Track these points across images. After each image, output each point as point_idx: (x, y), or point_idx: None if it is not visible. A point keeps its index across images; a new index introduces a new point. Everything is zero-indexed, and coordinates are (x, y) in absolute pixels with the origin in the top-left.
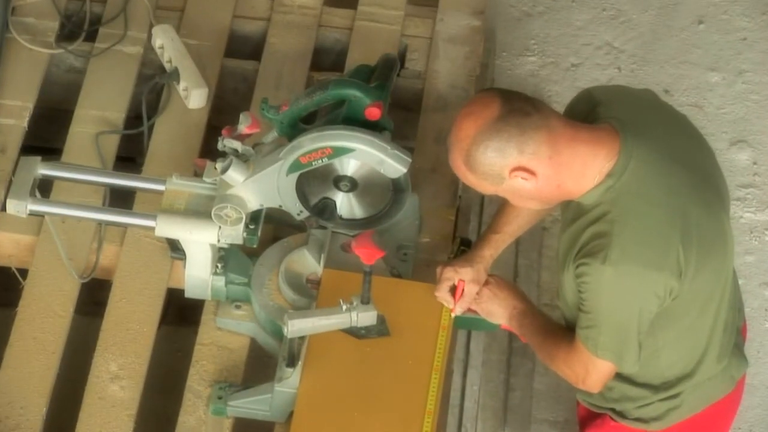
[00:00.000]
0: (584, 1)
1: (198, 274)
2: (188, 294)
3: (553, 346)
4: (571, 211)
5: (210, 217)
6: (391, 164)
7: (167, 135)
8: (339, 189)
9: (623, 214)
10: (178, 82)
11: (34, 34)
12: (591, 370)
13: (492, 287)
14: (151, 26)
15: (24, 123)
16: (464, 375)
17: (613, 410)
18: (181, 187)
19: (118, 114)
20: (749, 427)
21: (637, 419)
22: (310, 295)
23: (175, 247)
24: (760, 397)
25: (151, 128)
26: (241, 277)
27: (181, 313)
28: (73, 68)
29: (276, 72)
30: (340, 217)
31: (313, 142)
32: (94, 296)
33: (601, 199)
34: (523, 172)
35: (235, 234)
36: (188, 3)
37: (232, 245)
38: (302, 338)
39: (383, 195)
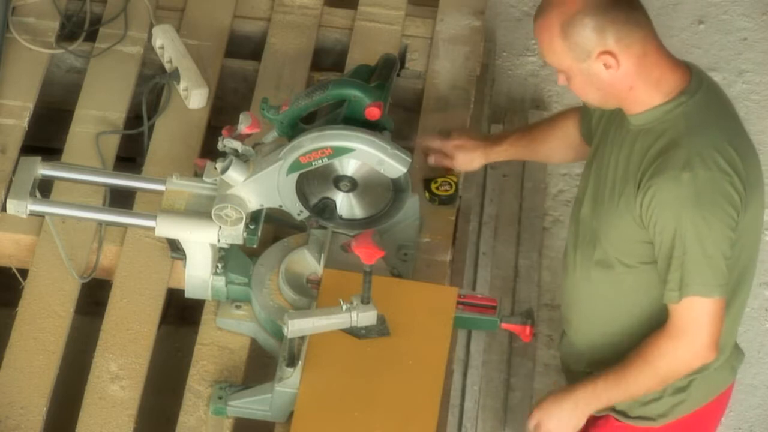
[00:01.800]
0: None
1: (198, 274)
2: (188, 294)
3: (634, 354)
4: (621, 133)
5: (210, 218)
6: (391, 164)
7: (167, 135)
8: (339, 189)
9: (692, 126)
10: (179, 82)
11: (35, 34)
12: (682, 326)
13: (541, 416)
14: (151, 26)
15: (24, 123)
16: (464, 375)
17: (614, 410)
18: (181, 187)
19: (118, 114)
20: (749, 427)
21: (640, 417)
22: (310, 295)
23: (175, 247)
24: (760, 397)
25: (151, 128)
26: (241, 277)
27: (181, 313)
28: (73, 68)
29: (276, 72)
30: (340, 217)
31: (313, 142)
32: (94, 296)
33: (667, 116)
34: (611, 58)
35: (235, 234)
36: (188, 3)
37: (232, 245)
38: (302, 338)
39: (383, 195)
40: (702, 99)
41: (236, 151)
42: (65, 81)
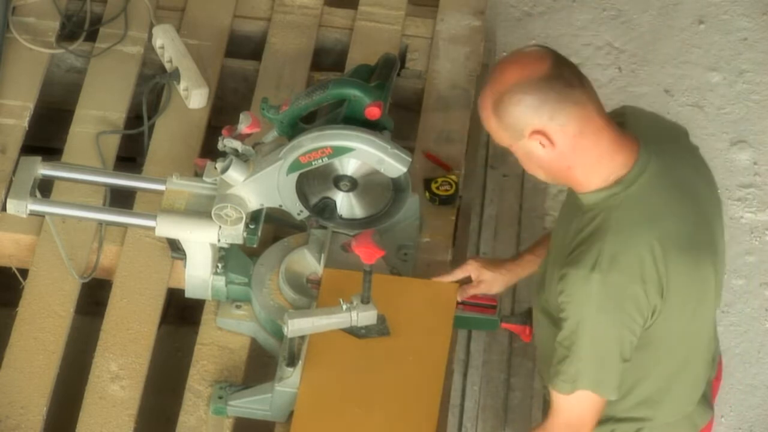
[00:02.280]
0: (585, 1)
1: (198, 274)
2: (188, 294)
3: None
4: (570, 205)
5: (210, 217)
6: (391, 164)
7: (168, 135)
8: (339, 188)
9: (620, 223)
10: (179, 82)
11: (35, 34)
12: (573, 408)
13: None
14: (151, 26)
15: (24, 123)
16: (465, 375)
17: None
18: (181, 186)
19: (118, 114)
20: (749, 427)
21: None
22: (310, 294)
23: (175, 247)
24: (760, 397)
25: (151, 128)
26: (241, 277)
27: (181, 313)
28: (73, 68)
29: (276, 72)
30: (340, 217)
31: (313, 142)
32: (94, 296)
33: (603, 203)
34: (544, 138)
35: (235, 234)
36: (189, 3)
37: (232, 245)
38: (302, 338)
39: (383, 194)
40: (640, 190)
41: (236, 150)
42: (65, 81)
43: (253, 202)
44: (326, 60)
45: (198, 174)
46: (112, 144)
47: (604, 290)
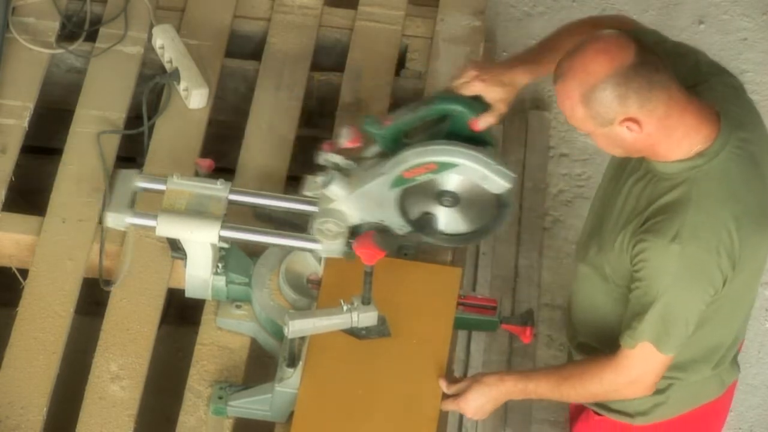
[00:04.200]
0: (585, 1)
1: (199, 274)
2: (189, 294)
3: (577, 368)
4: (643, 167)
5: (210, 217)
6: (495, 180)
7: (168, 135)
8: (441, 204)
9: (702, 196)
10: (179, 82)
11: (35, 34)
12: (628, 365)
13: (471, 384)
14: (151, 26)
15: (24, 123)
16: (465, 375)
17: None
18: (182, 186)
19: (118, 114)
20: (749, 427)
21: (620, 411)
22: (310, 295)
23: (175, 246)
24: (760, 397)
25: (151, 128)
26: (241, 277)
27: (181, 313)
28: (73, 68)
29: (276, 72)
30: (441, 232)
31: (418, 157)
32: (94, 296)
33: (684, 175)
34: (634, 124)
35: (336, 248)
36: (189, 3)
37: (231, 245)
38: (303, 338)
39: (486, 209)
40: (720, 164)
41: (337, 165)
42: (65, 81)
43: (354, 217)
44: (326, 60)
45: (199, 174)
46: (112, 144)
47: (682, 262)
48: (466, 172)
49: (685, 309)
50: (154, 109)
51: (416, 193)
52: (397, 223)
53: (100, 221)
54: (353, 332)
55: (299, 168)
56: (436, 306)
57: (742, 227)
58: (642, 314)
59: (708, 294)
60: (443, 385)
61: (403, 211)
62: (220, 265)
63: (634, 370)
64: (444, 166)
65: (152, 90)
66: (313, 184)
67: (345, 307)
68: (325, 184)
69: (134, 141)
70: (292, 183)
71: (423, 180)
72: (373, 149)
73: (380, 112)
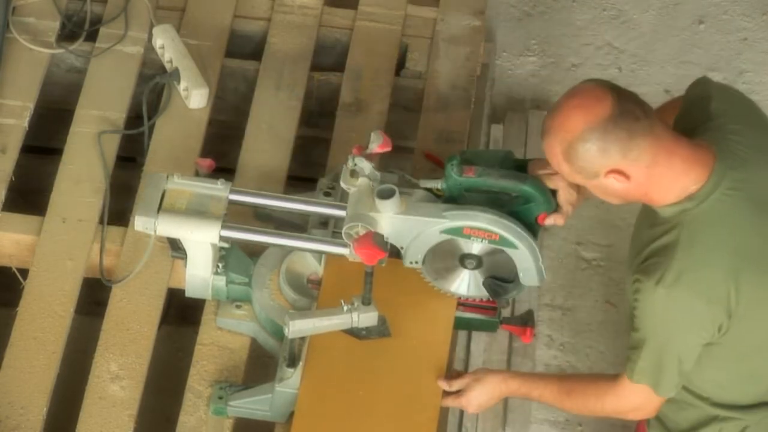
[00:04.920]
0: (585, 1)
1: (199, 274)
2: (189, 294)
3: (580, 384)
4: (648, 214)
5: (211, 216)
6: (533, 275)
7: (168, 135)
8: (464, 266)
9: (690, 240)
10: (179, 82)
11: (35, 34)
12: (630, 396)
13: (473, 382)
14: (151, 26)
15: (24, 123)
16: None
17: None
18: (182, 186)
19: (118, 114)
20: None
21: None
22: (310, 295)
23: (176, 246)
24: None
25: (151, 128)
26: (241, 277)
27: (181, 313)
28: (73, 68)
29: (277, 72)
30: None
31: (489, 222)
32: (94, 296)
33: (675, 218)
34: (620, 175)
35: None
36: (189, 3)
37: (232, 244)
38: (303, 338)
39: (507, 275)
40: (711, 207)
41: (365, 171)
42: (65, 81)
43: (384, 231)
44: (326, 60)
45: (199, 174)
46: (112, 144)
47: (667, 305)
48: (517, 256)
49: (676, 352)
50: (155, 109)
51: (443, 249)
52: (414, 257)
53: (101, 221)
54: (353, 332)
55: (299, 168)
56: (436, 306)
57: (740, 272)
58: (637, 350)
59: (700, 337)
60: (443, 384)
61: (429, 254)
62: (220, 264)
63: (636, 401)
64: (505, 242)
65: (152, 90)
66: (348, 177)
67: (345, 308)
68: (383, 196)
69: (134, 141)
70: (292, 183)
71: (474, 241)
72: (434, 183)
73: (380, 113)
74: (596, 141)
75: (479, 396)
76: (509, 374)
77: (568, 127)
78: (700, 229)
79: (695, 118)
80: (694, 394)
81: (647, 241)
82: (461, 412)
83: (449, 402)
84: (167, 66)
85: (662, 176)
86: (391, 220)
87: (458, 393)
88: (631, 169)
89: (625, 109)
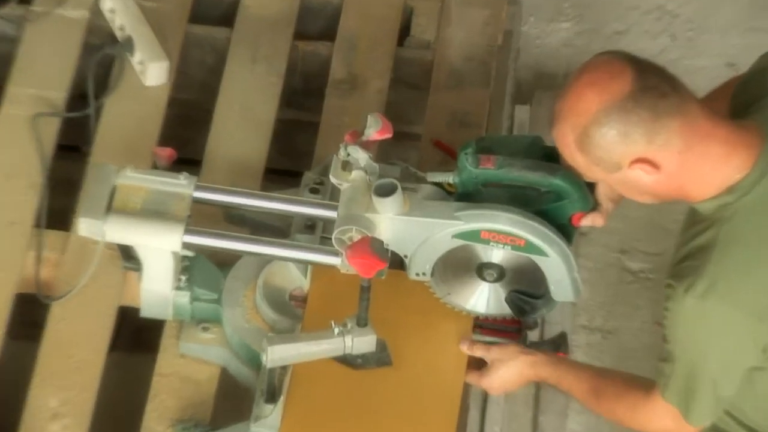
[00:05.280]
0: None
1: (157, 289)
2: (144, 313)
3: (613, 388)
4: (691, 213)
5: (172, 219)
6: (567, 288)
7: (119, 118)
8: (484, 278)
9: (729, 240)
10: (133, 54)
11: None
12: (660, 415)
13: (497, 356)
14: None
15: None
16: (483, 412)
17: None
18: (137, 181)
19: (59, 93)
20: None
21: None
22: (294, 314)
23: (128, 255)
24: None
25: (99, 110)
26: (209, 293)
27: (135, 337)
28: (4, 36)
29: (252, 41)
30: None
31: (512, 225)
32: (29, 316)
33: (714, 215)
34: (647, 165)
35: None
36: None
37: (198, 254)
38: (284, 368)
39: (535, 290)
40: (756, 200)
41: (360, 163)
42: None
43: (383, 236)
44: (313, 27)
45: (157, 166)
46: (51, 129)
47: (697, 319)
48: (547, 266)
49: (710, 375)
50: (103, 86)
51: (455, 258)
52: (421, 269)
53: (37, 224)
54: (346, 361)
55: (280, 159)
56: (447, 328)
57: None
58: (668, 363)
59: (741, 360)
60: (464, 347)
61: (439, 267)
62: (183, 278)
63: (666, 424)
64: (532, 249)
65: (100, 63)
66: (339, 170)
67: (336, 330)
68: (383, 193)
69: (78, 126)
70: (272, 177)
71: (494, 248)
72: (444, 177)
73: (379, 91)
74: (615, 124)
75: (504, 377)
76: (540, 358)
77: (580, 109)
78: (742, 226)
79: (751, 94)
80: (742, 424)
81: (685, 241)
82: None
83: (471, 379)
84: (118, 34)
85: (698, 164)
86: (392, 222)
87: (481, 372)
88: (660, 156)
89: (648, 84)
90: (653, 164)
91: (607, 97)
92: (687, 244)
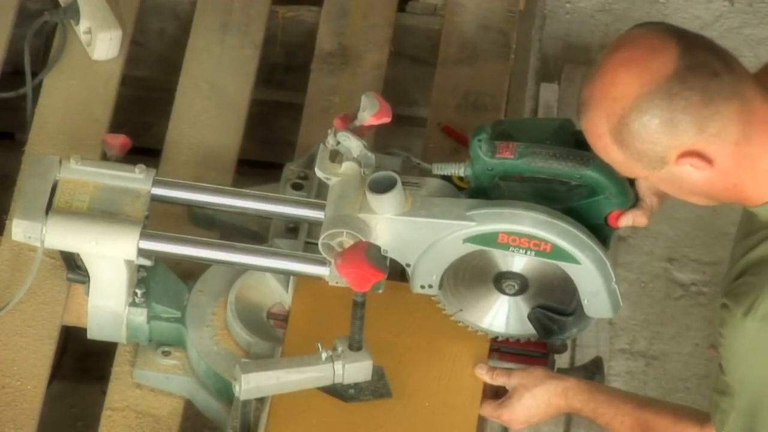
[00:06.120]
0: None
1: (107, 305)
2: (93, 335)
3: (661, 421)
4: (746, 218)
5: (125, 220)
6: (604, 301)
7: (62, 99)
8: (503, 291)
9: None
10: (78, 22)
11: None
12: None
13: (520, 382)
14: None
15: None
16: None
17: None
18: (83, 175)
19: None
20: None
21: None
22: (272, 336)
23: (73, 265)
24: None
25: (37, 89)
26: (171, 310)
27: (81, 363)
28: None
29: (222, 6)
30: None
31: (537, 227)
32: None
33: None
34: (697, 159)
35: None
36: None
37: (158, 262)
38: (261, 400)
39: (563, 305)
40: None
41: (352, 153)
42: None
43: (380, 240)
44: None
45: (108, 156)
46: None
47: (760, 346)
48: (578, 274)
49: None
50: (43, 60)
51: (469, 267)
52: (427, 281)
53: None
54: (337, 392)
55: (256, 148)
56: (458, 352)
57: None
58: (726, 397)
59: None
60: (483, 373)
61: (449, 277)
62: (139, 292)
63: None
64: (561, 255)
65: (39, 33)
66: (326, 163)
67: (324, 355)
68: (379, 190)
69: (12, 109)
70: (246, 170)
71: (515, 254)
72: (453, 169)
73: (376, 67)
74: (659, 111)
75: (529, 406)
76: (573, 384)
77: (615, 94)
78: None
79: None
80: None
81: (741, 253)
82: None
83: (488, 411)
84: None
85: (758, 158)
86: (391, 224)
87: (501, 401)
88: (713, 148)
89: (697, 61)
90: (705, 158)
91: (648, 79)
92: (744, 257)
